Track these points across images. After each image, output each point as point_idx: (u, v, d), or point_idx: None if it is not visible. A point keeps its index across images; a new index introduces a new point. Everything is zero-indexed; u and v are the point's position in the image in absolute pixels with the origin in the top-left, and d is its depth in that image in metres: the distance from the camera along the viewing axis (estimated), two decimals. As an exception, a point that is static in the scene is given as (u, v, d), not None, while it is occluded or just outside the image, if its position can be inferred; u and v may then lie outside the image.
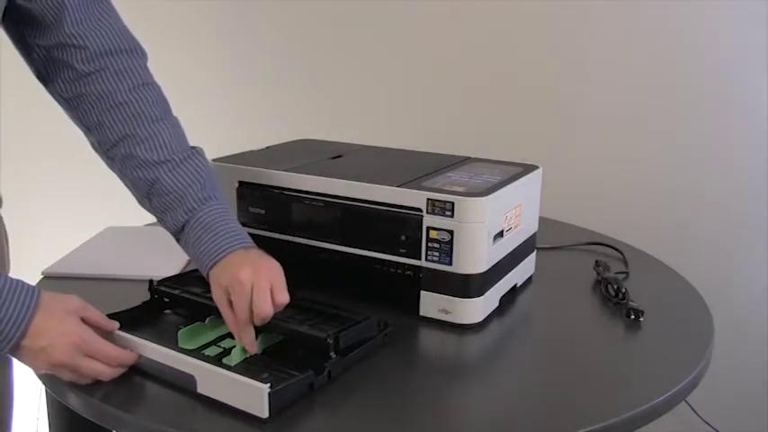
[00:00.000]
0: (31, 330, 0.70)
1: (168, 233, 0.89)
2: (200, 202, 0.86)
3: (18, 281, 0.72)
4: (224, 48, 1.85)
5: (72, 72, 0.85)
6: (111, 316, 0.82)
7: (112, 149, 0.87)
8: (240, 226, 0.87)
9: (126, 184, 0.89)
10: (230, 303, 0.79)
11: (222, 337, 0.85)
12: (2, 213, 0.97)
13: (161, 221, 0.88)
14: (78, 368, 0.73)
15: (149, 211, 0.89)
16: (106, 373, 0.75)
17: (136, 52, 0.89)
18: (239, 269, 0.78)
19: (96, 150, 0.90)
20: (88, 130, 0.88)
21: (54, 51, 0.84)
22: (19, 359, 0.73)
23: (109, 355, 0.75)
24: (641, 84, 1.56)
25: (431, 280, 0.91)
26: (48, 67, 0.86)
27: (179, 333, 0.83)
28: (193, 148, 0.90)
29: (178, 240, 0.88)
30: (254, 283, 0.77)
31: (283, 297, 0.79)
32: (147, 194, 0.87)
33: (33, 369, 0.75)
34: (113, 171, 0.90)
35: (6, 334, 0.69)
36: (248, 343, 0.78)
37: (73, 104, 0.87)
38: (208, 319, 0.87)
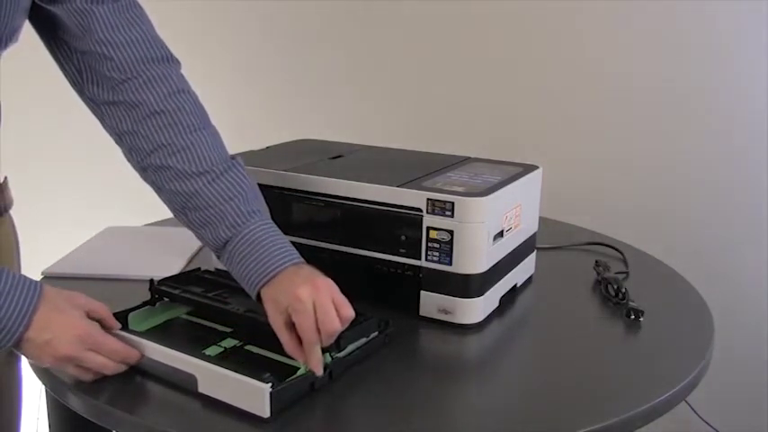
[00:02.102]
0: (36, 323, 0.70)
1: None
2: (244, 216, 0.81)
3: (20, 275, 0.72)
4: (224, 48, 1.85)
5: (104, 80, 0.83)
6: (112, 315, 0.83)
7: (146, 159, 0.83)
8: (288, 242, 0.82)
9: (161, 197, 0.85)
10: (289, 325, 0.75)
11: (223, 337, 0.85)
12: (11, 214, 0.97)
13: (199, 237, 0.84)
14: (83, 362, 0.73)
15: (186, 225, 0.85)
16: (110, 367, 0.75)
17: (169, 60, 0.86)
18: (297, 287, 0.74)
19: (129, 160, 0.86)
20: (120, 138, 0.85)
21: (86, 57, 0.82)
22: (23, 353, 0.72)
23: (113, 350, 0.75)
24: (642, 84, 1.56)
25: (431, 280, 0.91)
26: (81, 74, 0.84)
27: (129, 316, 0.85)
28: (233, 158, 0.86)
29: (219, 257, 0.84)
30: (316, 301, 0.73)
31: (349, 311, 0.75)
32: (183, 208, 0.83)
33: (37, 363, 0.75)
34: (147, 182, 0.85)
35: (10, 327, 0.69)
36: (315, 365, 0.73)
37: (106, 112, 0.84)
38: (158, 303, 0.89)
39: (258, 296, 0.79)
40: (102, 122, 0.87)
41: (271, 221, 0.84)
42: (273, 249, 0.80)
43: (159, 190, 0.84)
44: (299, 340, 0.74)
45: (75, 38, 0.81)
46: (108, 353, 0.74)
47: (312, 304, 0.73)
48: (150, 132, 0.82)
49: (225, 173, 0.83)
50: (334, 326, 0.73)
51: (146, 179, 0.85)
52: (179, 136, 0.82)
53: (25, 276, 0.72)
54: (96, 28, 0.80)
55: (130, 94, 0.82)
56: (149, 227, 1.28)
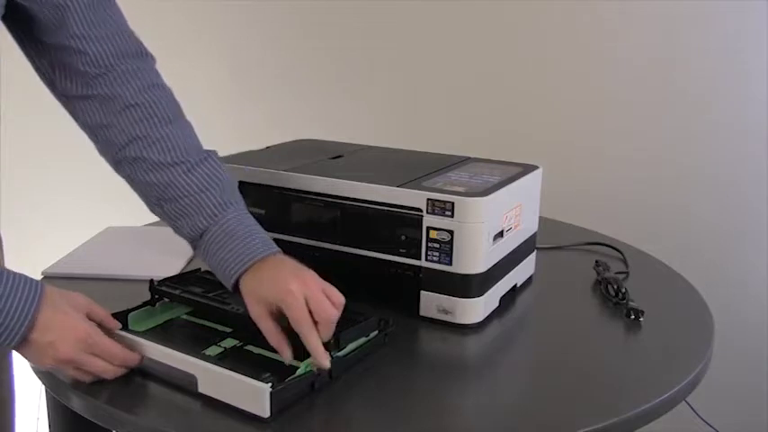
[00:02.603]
0: (39, 324, 0.70)
1: (175, 236, 0.87)
2: (221, 206, 0.82)
3: (20, 275, 0.72)
4: (224, 48, 1.85)
5: (77, 75, 0.83)
6: (113, 315, 0.82)
7: (121, 152, 0.83)
8: (266, 233, 0.83)
9: (136, 191, 0.86)
10: (271, 316, 0.76)
11: (223, 337, 0.85)
12: (2, 216, 0.97)
13: (175, 228, 0.85)
14: (83, 365, 0.73)
15: (160, 217, 0.86)
16: (109, 371, 0.75)
17: (144, 55, 0.86)
18: (287, 282, 0.74)
19: (103, 155, 0.87)
20: (94, 133, 0.85)
21: (59, 53, 0.82)
22: (24, 354, 0.72)
23: (113, 354, 0.75)
24: (642, 84, 1.56)
25: (431, 280, 0.91)
26: (54, 69, 0.84)
27: (129, 316, 0.85)
28: (208, 151, 0.87)
29: (195, 248, 0.85)
30: (307, 293, 0.74)
31: (340, 297, 0.76)
32: (158, 200, 0.83)
33: (37, 364, 0.75)
34: (121, 175, 0.86)
35: (13, 326, 0.69)
36: (321, 356, 0.73)
37: (79, 107, 0.84)
38: (158, 304, 0.89)
39: (235, 286, 0.80)
40: (74, 118, 0.87)
41: (248, 212, 0.85)
42: (252, 238, 0.81)
43: (134, 182, 0.85)
44: (283, 332, 0.75)
45: (49, 33, 0.81)
46: (108, 357, 0.74)
47: (303, 297, 0.74)
48: (125, 125, 0.83)
49: (200, 163, 0.84)
50: (331, 312, 0.74)
51: (120, 172, 0.86)
52: (154, 128, 0.83)
53: (26, 276, 0.72)
54: (71, 23, 0.80)
55: (105, 87, 0.83)
56: (149, 227, 1.28)
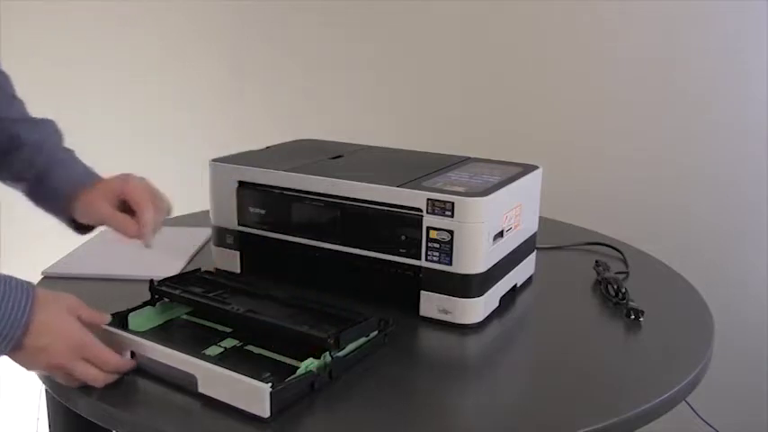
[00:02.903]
0: (33, 329, 0.70)
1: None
2: (57, 148, 0.97)
3: (10, 278, 0.71)
4: (224, 48, 1.85)
5: None
6: (113, 315, 0.83)
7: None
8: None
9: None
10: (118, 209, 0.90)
11: (223, 337, 0.85)
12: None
13: (12, 174, 0.94)
14: (73, 371, 0.73)
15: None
16: (99, 379, 0.74)
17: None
18: (121, 180, 0.92)
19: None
20: None
21: None
22: (15, 358, 0.72)
23: (106, 361, 0.74)
24: (642, 84, 1.56)
25: (431, 280, 0.91)
26: None
27: (129, 316, 0.85)
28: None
29: (30, 183, 0.94)
30: (141, 184, 0.92)
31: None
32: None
33: (28, 368, 0.74)
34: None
35: (6, 334, 0.68)
36: (145, 223, 0.89)
37: None
38: (158, 303, 0.89)
39: (72, 205, 0.92)
40: None
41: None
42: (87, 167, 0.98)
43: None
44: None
45: None
46: (100, 363, 0.74)
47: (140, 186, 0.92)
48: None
49: (42, 122, 0.97)
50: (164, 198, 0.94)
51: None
52: None
53: (16, 279, 0.72)
54: None
55: None
56: None
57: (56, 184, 0.93)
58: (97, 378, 0.74)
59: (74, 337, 0.72)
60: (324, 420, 0.72)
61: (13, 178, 0.95)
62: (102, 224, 0.94)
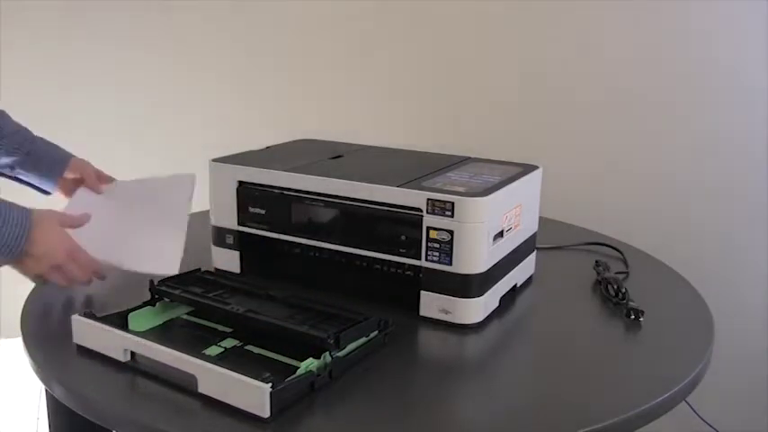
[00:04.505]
0: (35, 239, 0.89)
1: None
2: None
3: (9, 203, 0.88)
4: (224, 48, 1.85)
5: None
6: (113, 316, 0.84)
7: None
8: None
9: None
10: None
11: (223, 337, 0.85)
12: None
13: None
14: (67, 271, 0.92)
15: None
16: (84, 279, 0.94)
17: None
18: (78, 162, 1.14)
19: None
20: None
21: None
22: (22, 265, 0.90)
23: (88, 263, 0.94)
24: (641, 84, 1.56)
25: (431, 280, 0.91)
26: None
27: (129, 316, 0.86)
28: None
29: (20, 157, 1.09)
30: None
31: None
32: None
33: (33, 271, 0.91)
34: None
35: (15, 243, 0.87)
36: (96, 182, 1.12)
37: None
38: (158, 303, 0.90)
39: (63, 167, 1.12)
40: None
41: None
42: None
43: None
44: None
45: None
46: (83, 264, 0.94)
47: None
48: None
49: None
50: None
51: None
52: None
53: (14, 204, 0.89)
54: None
55: None
56: (122, 183, 1.16)
57: (44, 153, 1.12)
58: (82, 277, 0.94)
59: (66, 243, 0.93)
60: (324, 420, 0.72)
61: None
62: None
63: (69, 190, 1.14)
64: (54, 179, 1.13)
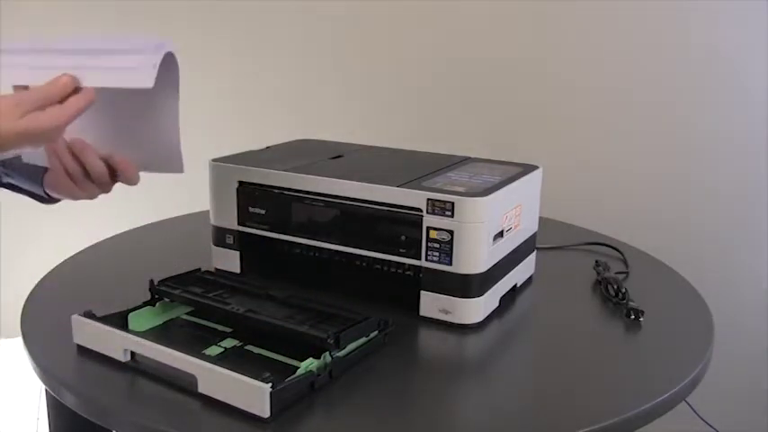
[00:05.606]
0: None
1: None
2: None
3: None
4: (224, 48, 1.85)
5: None
6: (113, 316, 0.84)
7: None
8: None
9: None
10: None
11: (223, 337, 0.85)
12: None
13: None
14: (40, 122, 0.72)
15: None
16: (63, 119, 0.74)
17: None
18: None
19: None
20: None
21: None
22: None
23: (46, 93, 0.74)
24: (641, 84, 1.56)
25: (431, 280, 0.91)
26: None
27: (129, 316, 0.86)
28: None
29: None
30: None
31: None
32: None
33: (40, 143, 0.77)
34: None
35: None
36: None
37: None
38: (158, 303, 0.89)
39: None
40: None
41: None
42: None
43: None
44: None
45: None
46: (44, 100, 0.73)
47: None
48: None
49: None
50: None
51: None
52: None
53: None
54: None
55: None
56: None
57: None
58: (61, 117, 0.73)
59: (8, 98, 0.72)
60: (324, 420, 0.72)
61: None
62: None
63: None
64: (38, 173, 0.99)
